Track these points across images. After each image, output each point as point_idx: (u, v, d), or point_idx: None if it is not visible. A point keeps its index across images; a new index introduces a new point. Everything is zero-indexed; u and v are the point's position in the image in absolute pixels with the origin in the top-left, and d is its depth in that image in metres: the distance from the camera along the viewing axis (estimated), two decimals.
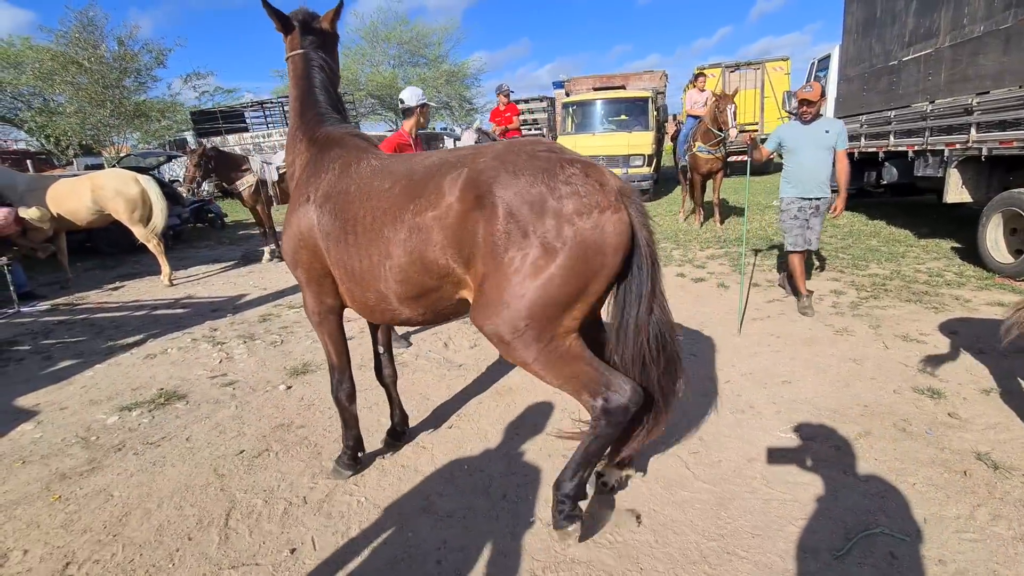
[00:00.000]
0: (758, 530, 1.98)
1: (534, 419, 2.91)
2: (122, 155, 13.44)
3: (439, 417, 3.02)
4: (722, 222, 8.02)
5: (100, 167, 13.95)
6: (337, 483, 2.43)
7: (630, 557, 1.89)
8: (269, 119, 18.73)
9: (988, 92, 4.59)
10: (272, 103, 18.52)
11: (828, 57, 8.32)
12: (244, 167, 7.57)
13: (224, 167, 7.30)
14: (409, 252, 1.79)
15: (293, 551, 2.02)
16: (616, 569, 1.84)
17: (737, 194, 11.21)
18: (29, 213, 6.00)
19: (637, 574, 1.82)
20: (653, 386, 1.87)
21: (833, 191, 4.20)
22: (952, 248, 5.70)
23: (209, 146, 7.34)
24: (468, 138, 5.43)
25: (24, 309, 6.03)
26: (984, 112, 4.62)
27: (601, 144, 10.91)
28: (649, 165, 11.05)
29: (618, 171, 10.88)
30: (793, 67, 13.14)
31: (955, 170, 5.08)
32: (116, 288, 6.97)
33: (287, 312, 5.32)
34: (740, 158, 12.62)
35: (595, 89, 12.88)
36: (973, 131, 4.73)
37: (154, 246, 6.86)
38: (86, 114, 15.91)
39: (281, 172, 8.06)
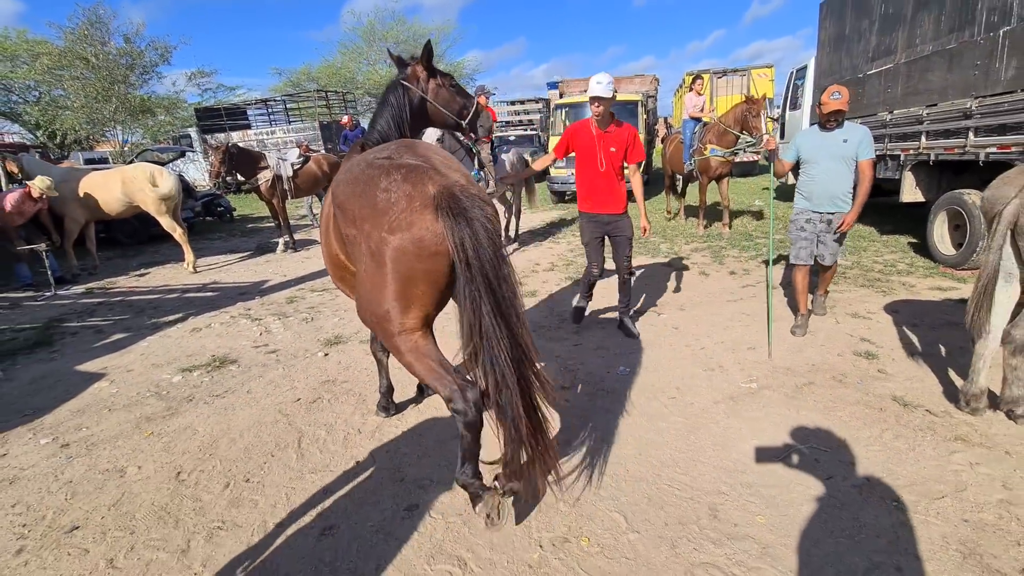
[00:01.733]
0: (718, 446, 2.58)
1: None
2: (139, 150, 13.81)
3: None
4: (729, 224, 7.84)
5: (104, 162, 14.33)
6: (385, 419, 3.00)
7: (619, 463, 2.47)
8: (273, 116, 19.13)
9: (935, 104, 5.23)
10: (276, 101, 18.93)
11: (805, 68, 8.97)
12: (262, 163, 8.08)
13: (245, 163, 7.80)
14: (327, 243, 2.25)
15: (357, 463, 2.58)
16: (609, 470, 2.42)
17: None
18: (35, 183, 6.32)
19: (624, 473, 2.40)
20: (511, 407, 1.80)
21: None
22: (908, 243, 6.36)
23: (230, 143, 7.82)
24: (431, 135, 5.51)
25: (60, 292, 6.52)
26: (932, 122, 5.27)
27: None
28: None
29: None
30: (777, 73, 13.85)
31: (909, 173, 5.72)
32: (142, 275, 7.46)
33: (310, 295, 5.85)
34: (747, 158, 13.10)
35: (585, 92, 13.47)
36: (923, 139, 5.37)
37: (179, 235, 7.37)
38: (92, 109, 16.29)
39: (295, 168, 8.59)
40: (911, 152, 5.60)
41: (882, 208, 8.09)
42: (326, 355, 4.09)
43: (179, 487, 2.46)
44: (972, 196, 4.93)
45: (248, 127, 19.80)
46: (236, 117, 19.46)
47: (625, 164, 3.85)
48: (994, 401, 2.72)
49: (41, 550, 2.09)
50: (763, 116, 6.63)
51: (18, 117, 17.30)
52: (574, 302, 4.39)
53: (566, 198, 12.13)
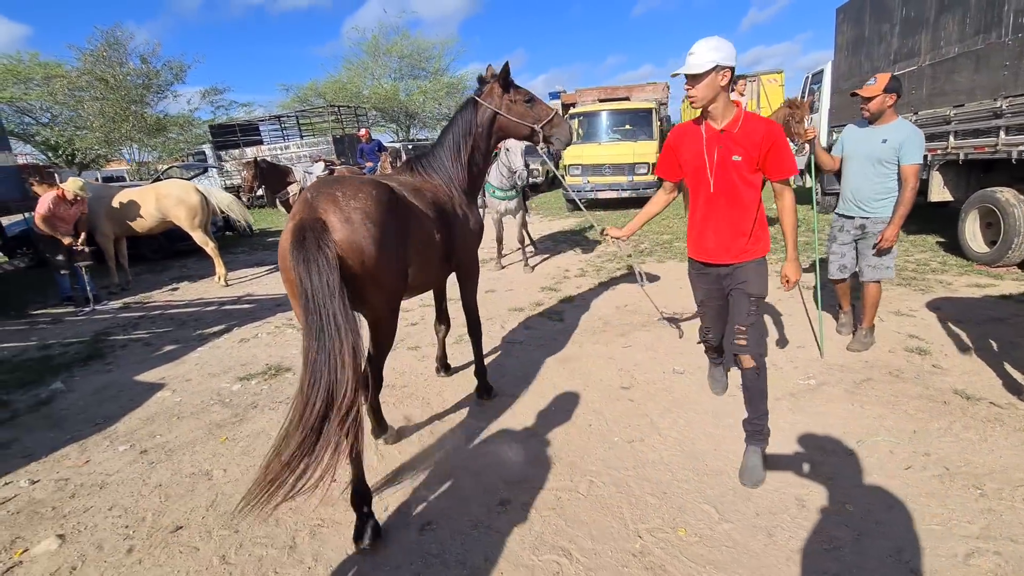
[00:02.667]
0: (788, 440, 2.63)
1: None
2: (166, 167, 14.03)
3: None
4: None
5: (120, 180, 14.56)
6: (462, 416, 3.07)
7: (696, 458, 2.53)
8: (286, 131, 19.39)
9: (963, 105, 5.32)
10: (288, 116, 19.20)
11: (821, 72, 9.09)
12: (290, 178, 8.24)
13: (273, 177, 7.95)
14: None
15: (439, 462, 2.65)
16: (688, 464, 2.48)
17: None
18: (67, 185, 6.41)
19: (704, 468, 2.46)
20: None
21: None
22: (937, 242, 6.42)
23: (260, 158, 7.98)
24: (515, 146, 5.86)
25: (98, 307, 6.63)
26: (960, 122, 5.35)
27: (607, 153, 11.61)
28: (652, 173, 11.77)
29: (623, 179, 11.60)
30: (786, 78, 13.99)
31: (937, 173, 5.80)
32: (174, 289, 7.57)
33: None
34: None
35: (600, 100, 13.65)
36: (951, 138, 5.45)
37: (211, 249, 7.49)
38: (109, 129, 16.58)
39: None
40: (939, 152, 5.67)
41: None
42: None
43: None
44: (1005, 193, 5.00)
45: (261, 143, 20.07)
46: (249, 133, 19.74)
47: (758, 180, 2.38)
48: None
49: (151, 548, 2.16)
50: (806, 121, 6.61)
51: (31, 138, 17.62)
52: (707, 374, 3.34)
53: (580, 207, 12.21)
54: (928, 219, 7.40)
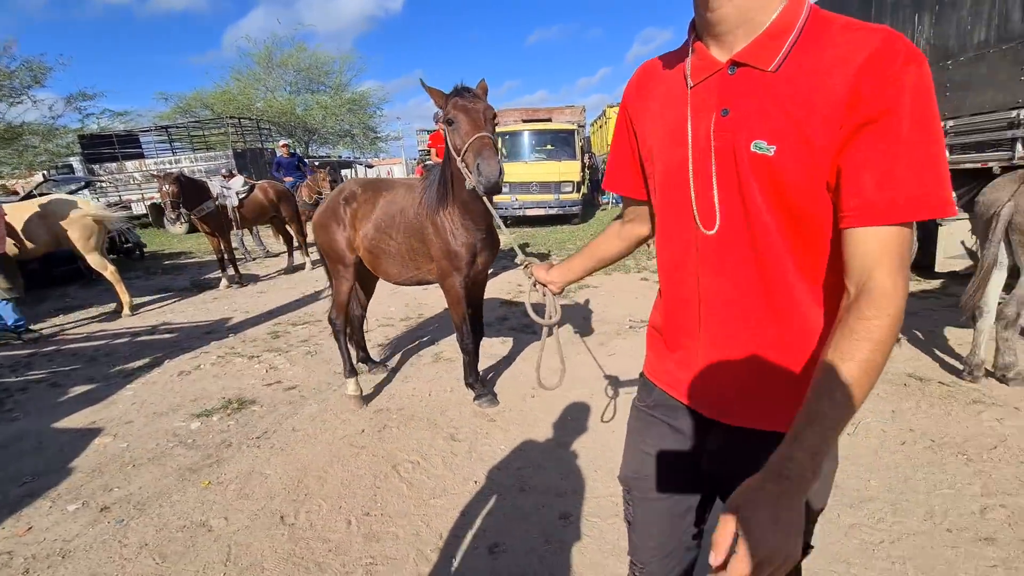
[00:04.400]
0: None
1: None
2: (35, 183, 11.98)
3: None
4: None
5: None
6: (476, 434, 2.94)
7: None
8: (175, 145, 17.56)
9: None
10: (178, 127, 17.44)
11: None
12: (206, 193, 7.45)
13: (191, 192, 7.16)
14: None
15: (475, 483, 2.51)
16: None
17: None
18: None
19: None
20: None
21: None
22: None
23: (178, 171, 7.16)
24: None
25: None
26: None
27: (533, 172, 11.98)
28: (577, 191, 12.32)
29: (550, 196, 12.01)
30: None
31: None
32: (58, 323, 6.48)
33: (294, 328, 5.47)
34: None
35: (524, 120, 14.07)
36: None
37: (111, 274, 6.51)
38: None
39: (241, 196, 8.03)
40: None
41: None
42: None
43: (294, 532, 2.23)
44: None
45: (143, 156, 17.97)
46: (129, 145, 17.57)
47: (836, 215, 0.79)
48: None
49: None
50: None
51: None
52: None
53: (508, 223, 12.41)
54: None
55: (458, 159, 2.58)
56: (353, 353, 3.86)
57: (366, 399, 3.56)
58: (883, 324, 0.69)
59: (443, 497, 2.42)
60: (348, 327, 3.78)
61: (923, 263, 5.22)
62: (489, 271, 3.31)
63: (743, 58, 0.79)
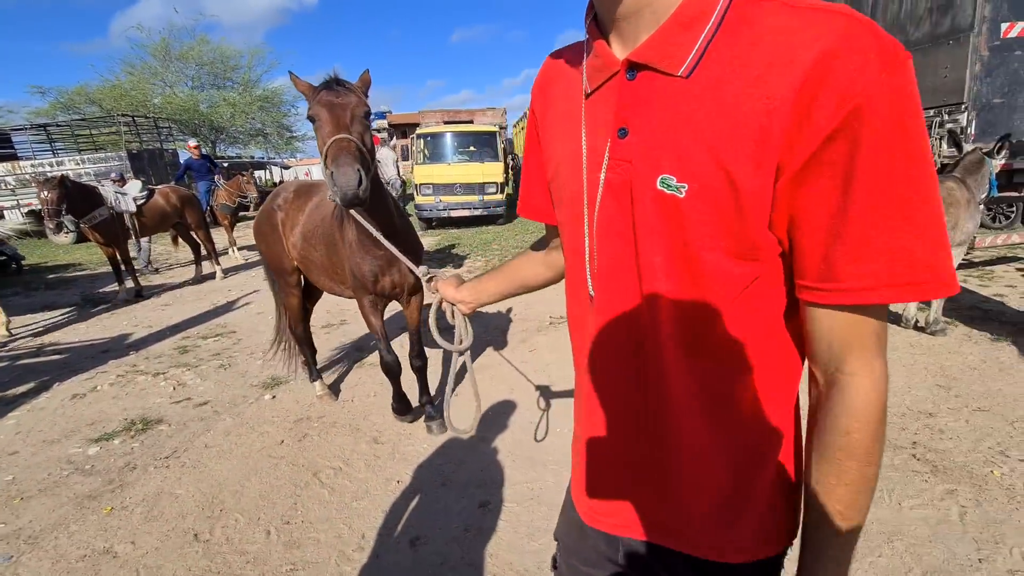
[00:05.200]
0: None
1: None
2: None
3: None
4: None
5: None
6: (398, 440, 2.98)
7: None
8: (56, 145, 15.83)
9: None
10: (60, 125, 15.74)
11: None
12: (97, 200, 6.84)
13: (79, 199, 6.55)
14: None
15: (397, 482, 2.57)
16: None
17: None
18: None
19: None
20: None
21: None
22: None
23: (62, 175, 6.52)
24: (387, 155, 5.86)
25: None
26: None
27: (456, 173, 12.03)
28: (501, 192, 12.53)
29: (474, 198, 12.13)
30: None
31: None
32: None
33: (204, 342, 5.20)
34: None
35: (445, 122, 14.07)
36: None
37: None
38: None
39: (139, 203, 7.46)
40: None
41: None
42: (274, 397, 3.77)
43: (209, 548, 2.18)
44: None
45: (16, 157, 16.05)
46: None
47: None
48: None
49: None
50: None
51: None
52: None
53: (433, 225, 12.39)
54: None
55: (322, 164, 2.19)
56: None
57: (284, 410, 3.50)
58: (867, 434, 0.55)
59: (365, 499, 2.46)
60: (306, 333, 3.67)
61: None
62: (412, 286, 2.86)
63: (642, 57, 0.58)
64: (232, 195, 9.49)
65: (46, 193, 6.06)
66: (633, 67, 0.60)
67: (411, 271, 1.40)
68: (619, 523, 0.74)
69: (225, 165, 23.37)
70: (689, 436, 0.64)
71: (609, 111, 0.63)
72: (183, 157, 11.58)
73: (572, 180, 0.68)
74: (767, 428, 0.64)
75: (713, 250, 0.57)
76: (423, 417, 3.12)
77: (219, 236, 10.16)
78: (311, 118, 2.23)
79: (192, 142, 9.98)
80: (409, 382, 3.12)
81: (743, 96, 0.52)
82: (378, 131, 19.11)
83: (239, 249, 9.90)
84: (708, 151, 0.54)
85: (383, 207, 2.43)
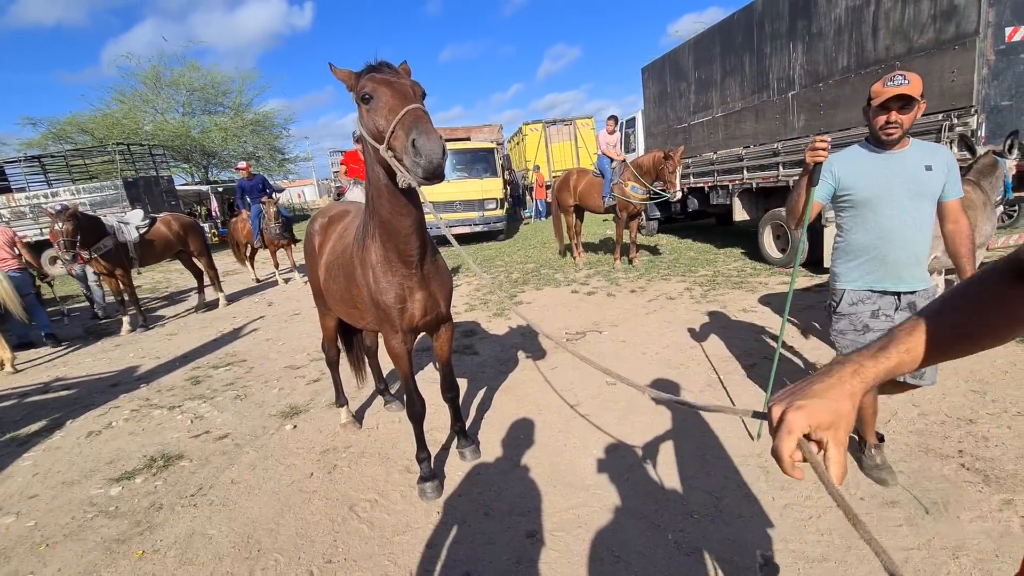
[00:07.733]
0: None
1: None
2: None
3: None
4: (636, 258, 8.09)
5: None
6: (436, 471, 2.91)
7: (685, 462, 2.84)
8: (51, 176, 15.76)
9: (750, 147, 6.94)
10: (55, 156, 15.70)
11: (634, 119, 10.88)
12: (101, 230, 6.79)
13: (87, 230, 6.50)
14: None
15: (437, 513, 2.50)
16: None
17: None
18: None
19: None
20: None
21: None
22: (742, 252, 8.10)
23: (74, 206, 6.48)
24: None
25: None
26: (750, 160, 6.95)
27: (456, 190, 12.06)
28: (501, 207, 12.57)
29: (474, 214, 12.15)
30: (596, 123, 16.34)
31: (737, 199, 7.39)
32: None
33: (215, 372, 5.11)
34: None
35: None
36: (745, 172, 7.04)
37: None
38: None
39: (142, 231, 7.40)
40: (737, 182, 7.26)
41: (706, 229, 10.11)
42: (295, 427, 3.70)
43: None
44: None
45: (9, 190, 15.97)
46: None
47: None
48: None
49: None
50: (679, 172, 6.61)
51: None
52: None
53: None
54: (727, 237, 9.28)
55: (382, 147, 1.91)
56: (361, 382, 3.85)
57: (308, 440, 3.42)
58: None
59: (407, 533, 2.39)
60: (345, 355, 3.72)
61: (813, 259, 5.91)
62: (443, 316, 2.63)
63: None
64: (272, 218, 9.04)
65: (61, 224, 6.01)
66: None
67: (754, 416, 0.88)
68: None
69: (220, 190, 23.28)
70: None
71: None
72: (179, 183, 11.49)
73: None
74: None
75: None
76: (454, 444, 3.05)
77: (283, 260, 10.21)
78: (366, 97, 1.97)
79: (241, 164, 9.52)
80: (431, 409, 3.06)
81: None
82: None
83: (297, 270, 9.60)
84: None
85: (420, 208, 2.23)
